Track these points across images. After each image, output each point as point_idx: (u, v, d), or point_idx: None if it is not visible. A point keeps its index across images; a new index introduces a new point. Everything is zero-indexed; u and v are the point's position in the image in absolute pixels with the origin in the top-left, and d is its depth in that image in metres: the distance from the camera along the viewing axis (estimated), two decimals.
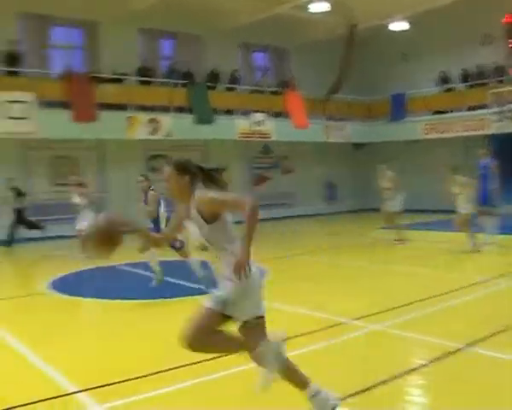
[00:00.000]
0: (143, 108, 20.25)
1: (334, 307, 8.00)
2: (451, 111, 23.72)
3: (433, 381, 5.21)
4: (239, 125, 22.18)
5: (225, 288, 4.06)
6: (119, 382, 5.28)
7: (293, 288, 9.84)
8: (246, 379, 5.11)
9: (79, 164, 19.93)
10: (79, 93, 18.33)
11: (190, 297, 8.91)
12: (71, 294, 9.60)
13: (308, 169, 25.92)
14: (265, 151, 25.14)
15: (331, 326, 7.02)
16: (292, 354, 5.78)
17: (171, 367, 5.54)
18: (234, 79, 23.52)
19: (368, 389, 4.90)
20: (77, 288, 10.24)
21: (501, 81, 21.87)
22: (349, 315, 7.39)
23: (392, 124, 24.75)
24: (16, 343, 6.80)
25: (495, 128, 21.36)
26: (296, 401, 4.32)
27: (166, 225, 8.92)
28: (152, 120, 19.96)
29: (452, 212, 13.19)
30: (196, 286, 9.36)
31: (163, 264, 10.24)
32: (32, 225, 17.55)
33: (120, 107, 19.69)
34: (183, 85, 21.38)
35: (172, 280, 10.46)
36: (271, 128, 22.93)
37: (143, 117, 19.86)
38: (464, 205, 12.65)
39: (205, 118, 20.87)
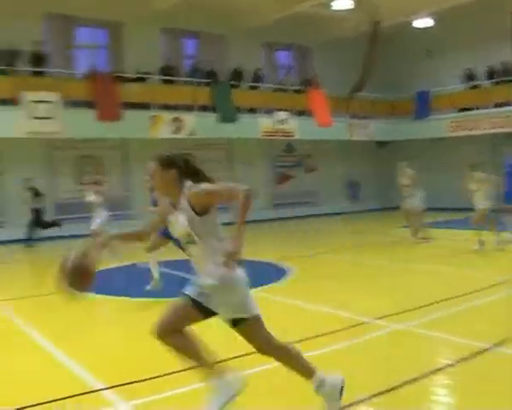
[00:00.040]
0: (167, 107, 20.35)
1: (357, 305, 7.94)
2: (477, 108, 23.46)
3: (459, 381, 5.15)
4: (262, 124, 22.18)
5: (211, 278, 4.04)
6: (145, 379, 5.29)
7: (317, 286, 9.79)
8: (269, 378, 5.12)
9: (104, 163, 20.09)
10: (104, 93, 18.48)
11: None
12: (94, 291, 9.58)
13: (331, 167, 25.82)
14: (289, 150, 25.10)
15: (354, 325, 6.97)
16: (315, 353, 5.79)
17: (189, 367, 5.53)
18: (257, 78, 23.51)
19: (393, 389, 4.85)
20: (99, 286, 10.23)
21: None
22: (372, 314, 7.33)
23: (416, 122, 24.56)
24: (42, 341, 6.86)
25: None
26: (313, 400, 4.29)
27: None
28: (175, 119, 20.04)
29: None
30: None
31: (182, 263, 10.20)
32: (48, 225, 17.60)
33: (144, 106, 19.80)
34: (207, 84, 21.42)
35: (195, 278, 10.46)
36: (295, 126, 22.89)
37: (167, 116, 19.97)
38: (482, 201, 12.56)
39: (228, 117, 20.90)
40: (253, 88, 23.27)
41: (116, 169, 20.43)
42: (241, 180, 22.78)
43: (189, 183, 4.07)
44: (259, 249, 15.03)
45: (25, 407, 4.71)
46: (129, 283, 10.73)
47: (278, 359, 4.32)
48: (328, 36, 24.80)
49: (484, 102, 23.20)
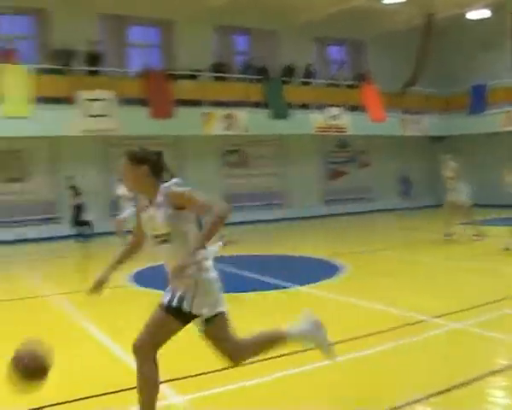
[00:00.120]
0: (219, 104, 20.45)
1: (412, 303, 7.81)
2: None
3: None
4: (314, 120, 22.07)
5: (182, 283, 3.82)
6: (200, 374, 5.32)
7: (370, 283, 9.69)
8: (320, 376, 5.10)
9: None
10: (157, 90, 18.72)
11: (265, 292, 8.94)
12: (150, 287, 9.72)
13: (384, 163, 25.53)
14: (342, 145, 24.93)
15: (411, 324, 6.86)
16: (371, 351, 5.75)
17: (252, 361, 5.54)
18: (309, 74, 23.41)
19: (450, 389, 4.75)
20: (155, 281, 10.33)
21: None
22: (429, 312, 7.20)
23: (471, 116, 24.05)
24: (99, 334, 6.98)
25: None
26: (371, 399, 4.25)
27: None
28: (228, 116, 20.14)
29: None
30: (269, 281, 9.36)
31: (236, 258, 10.27)
32: (81, 223, 17.77)
33: (196, 103, 19.95)
34: (259, 81, 21.44)
35: (246, 274, 10.51)
36: (347, 122, 22.71)
37: (219, 113, 20.07)
38: None
39: (280, 113, 20.89)
40: (305, 84, 23.18)
41: (171, 166, 20.60)
42: (293, 176, 22.85)
43: (168, 180, 3.93)
44: (311, 246, 15.01)
45: (83, 399, 4.80)
46: None
47: (254, 354, 4.25)
48: (380, 30, 24.49)
49: None
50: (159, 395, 4.67)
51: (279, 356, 5.22)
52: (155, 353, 3.88)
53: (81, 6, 19.04)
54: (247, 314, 7.67)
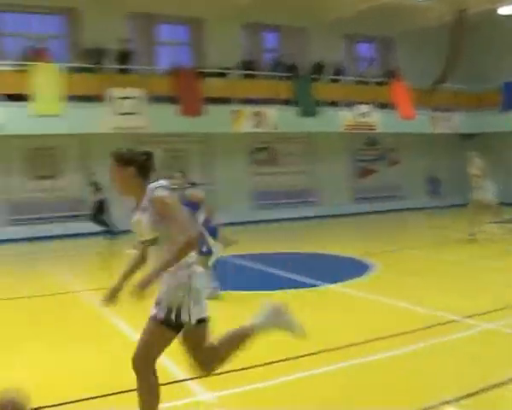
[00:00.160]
0: (248, 102, 20.46)
1: (442, 303, 7.71)
2: None
3: None
4: (343, 118, 21.97)
5: (167, 286, 3.74)
6: (229, 371, 5.30)
7: (401, 282, 9.61)
8: (347, 376, 5.07)
9: (187, 157, 20.50)
10: (186, 88, 18.81)
11: (295, 290, 8.93)
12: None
13: (414, 161, 25.28)
14: (370, 143, 24.78)
15: (441, 324, 6.80)
16: (400, 351, 5.71)
17: (279, 359, 5.54)
18: (338, 71, 23.29)
19: (481, 391, 4.69)
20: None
21: None
22: (459, 312, 7.12)
23: (503, 113, 23.70)
24: (128, 330, 7.02)
25: None
26: (399, 400, 4.22)
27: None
28: (257, 114, 20.16)
29: None
30: (299, 279, 9.33)
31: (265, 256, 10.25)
32: (99, 221, 17.77)
33: (225, 101, 19.99)
34: (288, 78, 21.39)
35: (276, 272, 10.50)
36: (377, 120, 22.56)
37: (248, 110, 20.10)
38: None
39: (309, 110, 20.83)
40: (334, 81, 23.07)
41: (200, 163, 20.80)
42: (322, 174, 22.78)
43: (155, 185, 3.83)
44: (341, 244, 14.94)
45: (112, 394, 4.84)
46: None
47: (227, 355, 4.15)
48: (410, 26, 24.20)
49: None
50: (187, 392, 4.70)
51: (304, 356, 5.22)
52: (155, 364, 3.84)
53: (111, 5, 19.19)
54: None
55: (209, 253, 8.49)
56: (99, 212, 17.51)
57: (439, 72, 23.26)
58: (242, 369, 5.35)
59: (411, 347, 5.81)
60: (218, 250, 8.74)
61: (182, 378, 5.24)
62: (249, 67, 21.44)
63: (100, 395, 4.88)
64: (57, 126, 17.17)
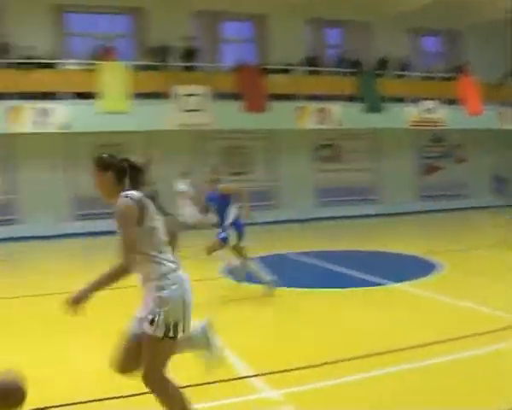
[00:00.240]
0: (312, 98, 20.39)
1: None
2: None
3: None
4: (409, 114, 21.63)
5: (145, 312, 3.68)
6: (295, 369, 5.31)
7: (468, 283, 9.34)
8: (415, 377, 4.98)
9: (251, 154, 20.60)
10: (250, 85, 18.88)
11: (361, 288, 8.85)
12: (241, 279, 9.68)
13: (480, 158, 24.66)
14: (436, 139, 24.30)
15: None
16: (470, 353, 5.56)
17: (345, 358, 5.50)
18: (403, 66, 22.93)
19: None
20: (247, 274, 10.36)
21: None
22: None
23: None
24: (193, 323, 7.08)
25: None
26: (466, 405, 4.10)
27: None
28: (321, 110, 20.07)
29: None
30: (364, 277, 9.22)
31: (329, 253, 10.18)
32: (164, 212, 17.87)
33: (289, 97, 19.98)
34: (352, 74, 21.19)
35: (341, 270, 10.43)
36: (443, 116, 22.10)
37: (313, 107, 20.04)
38: None
39: (374, 106, 20.61)
40: (399, 76, 22.72)
41: (264, 160, 20.88)
42: (386, 171, 22.48)
43: (126, 191, 3.76)
44: (404, 243, 14.72)
45: (184, 387, 4.86)
46: (277, 272, 10.82)
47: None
48: (479, 19, 23.57)
49: None
50: (251, 389, 4.70)
51: (370, 355, 5.15)
52: (166, 373, 3.77)
53: (177, 4, 19.45)
54: (348, 311, 7.63)
55: (224, 240, 8.57)
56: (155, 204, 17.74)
57: (508, 66, 22.61)
58: (309, 367, 5.34)
59: (481, 349, 5.65)
60: (231, 242, 8.69)
61: (247, 375, 5.27)
62: (313, 63, 21.36)
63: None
64: (124, 123, 17.55)
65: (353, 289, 8.95)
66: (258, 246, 11.39)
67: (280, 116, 19.22)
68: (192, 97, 18.20)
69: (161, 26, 19.13)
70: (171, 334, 3.63)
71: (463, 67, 23.17)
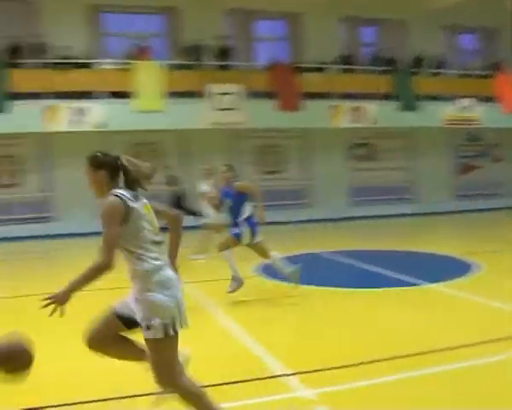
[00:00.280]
0: (347, 96, 20.27)
1: None
2: None
3: None
4: (445, 112, 21.37)
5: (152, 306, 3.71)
6: (330, 368, 5.28)
7: (505, 285, 9.19)
8: (447, 379, 4.92)
9: (285, 153, 20.60)
10: (284, 83, 18.87)
11: (397, 288, 8.77)
12: (275, 278, 9.66)
13: None
14: (472, 138, 23.96)
15: None
16: (505, 356, 5.46)
17: (381, 358, 5.45)
18: (439, 64, 22.66)
19: None
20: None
21: None
22: None
23: None
24: (230, 324, 7.10)
25: None
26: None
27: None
28: (355, 109, 19.95)
29: None
30: (399, 277, 9.13)
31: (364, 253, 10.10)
32: (190, 212, 17.73)
33: (323, 95, 19.90)
34: (387, 72, 21.02)
35: (377, 270, 10.36)
36: (480, 114, 21.78)
37: (347, 105, 19.94)
38: None
39: (409, 105, 20.43)
40: (435, 74, 22.46)
41: (297, 159, 20.87)
42: (422, 170, 22.22)
43: (115, 190, 3.75)
44: (442, 243, 14.56)
45: (217, 384, 4.86)
46: (310, 271, 10.77)
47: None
48: None
49: None
50: (286, 388, 4.67)
51: (406, 356, 5.10)
52: (178, 369, 3.82)
53: (210, 3, 19.52)
54: (383, 311, 7.57)
55: (238, 237, 8.47)
56: (180, 203, 17.76)
57: None
58: (344, 366, 5.31)
59: None
60: (244, 239, 8.59)
61: (281, 373, 5.25)
62: (347, 61, 21.26)
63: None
64: (158, 122, 17.68)
65: (388, 289, 8.87)
66: (292, 245, 11.37)
67: (314, 115, 19.17)
68: (226, 96, 18.26)
69: (195, 25, 19.23)
70: (171, 332, 3.68)
71: (500, 65, 22.82)
